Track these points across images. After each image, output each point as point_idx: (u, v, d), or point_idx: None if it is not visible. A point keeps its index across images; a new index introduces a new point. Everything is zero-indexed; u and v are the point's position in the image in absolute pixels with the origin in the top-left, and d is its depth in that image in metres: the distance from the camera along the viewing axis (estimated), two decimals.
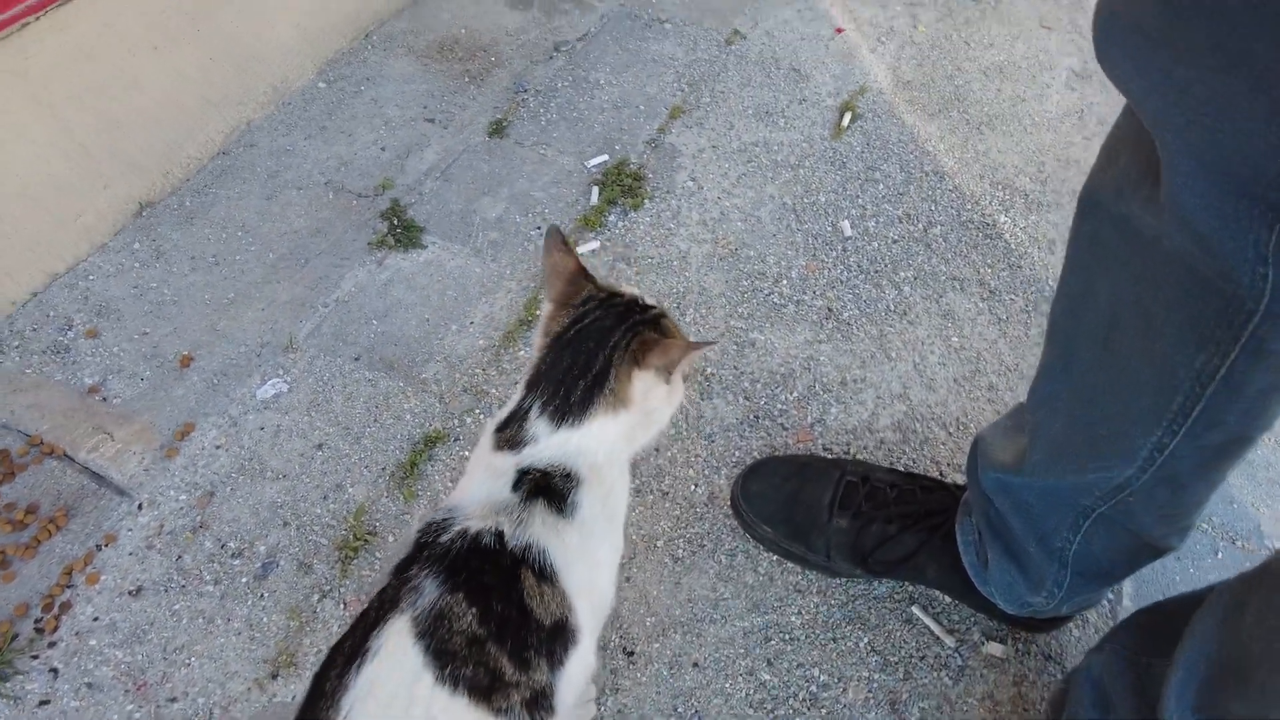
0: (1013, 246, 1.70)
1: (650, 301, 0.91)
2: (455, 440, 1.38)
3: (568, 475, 0.83)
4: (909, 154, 1.88)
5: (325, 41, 1.95)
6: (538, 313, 1.54)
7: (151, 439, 1.36)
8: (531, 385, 0.86)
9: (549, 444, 0.83)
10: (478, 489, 0.84)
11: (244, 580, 1.23)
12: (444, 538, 0.78)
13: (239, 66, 1.74)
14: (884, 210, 1.76)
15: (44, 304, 1.52)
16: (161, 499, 1.31)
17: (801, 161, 1.85)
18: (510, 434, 0.85)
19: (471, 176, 1.77)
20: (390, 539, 1.28)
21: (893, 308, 1.59)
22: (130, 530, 1.27)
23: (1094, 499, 0.91)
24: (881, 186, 1.81)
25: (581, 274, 0.91)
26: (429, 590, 0.73)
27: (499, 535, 0.78)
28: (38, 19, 1.36)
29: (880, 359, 1.52)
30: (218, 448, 1.37)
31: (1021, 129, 1.95)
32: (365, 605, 0.77)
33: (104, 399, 1.41)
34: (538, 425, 0.83)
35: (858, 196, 1.78)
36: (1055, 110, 2.00)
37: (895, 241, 1.70)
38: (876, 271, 1.64)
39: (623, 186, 1.76)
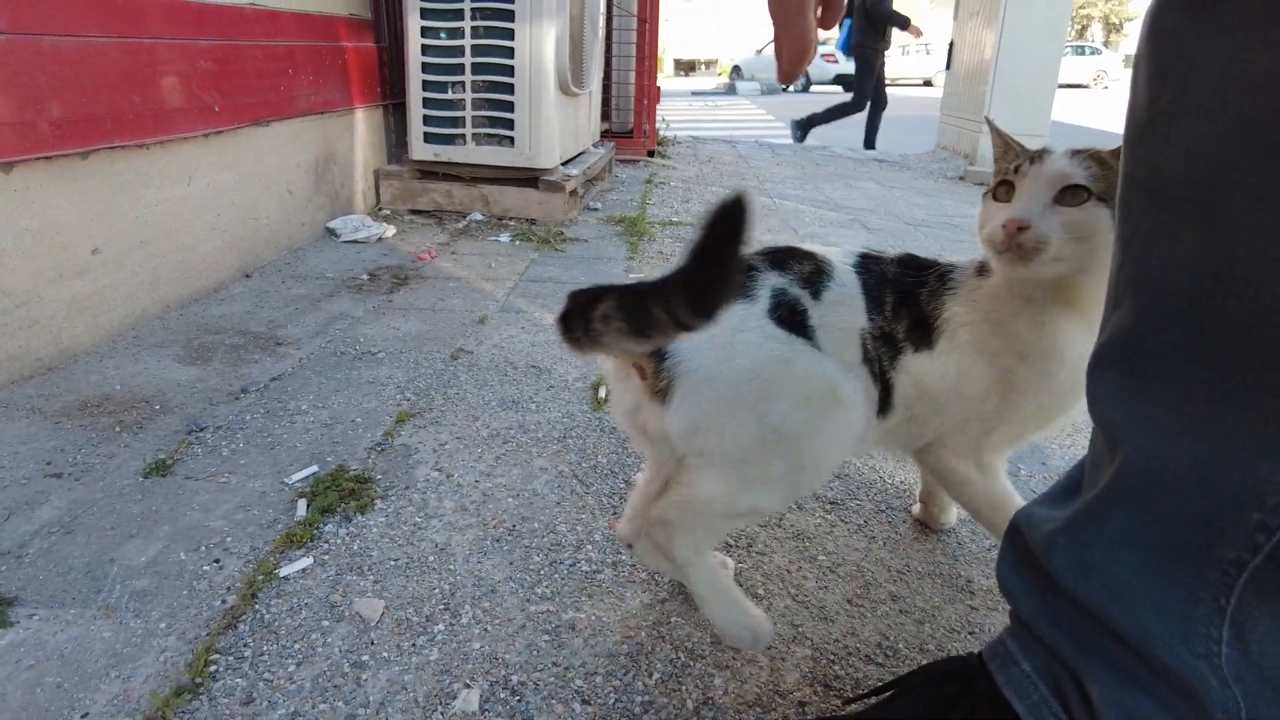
0: None
1: None
2: None
3: None
4: None
5: None
6: (211, 669, 0.94)
7: None
8: None
9: None
10: None
11: None
12: None
13: None
14: None
15: None
16: None
17: (568, 434, 1.54)
18: None
19: (112, 522, 1.21)
20: None
21: (734, 543, 1.21)
22: None
23: (1243, 535, 0.55)
24: None
25: None
26: None
27: None
28: None
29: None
30: None
31: None
32: None
33: None
34: None
35: None
36: None
37: None
38: None
39: (341, 492, 1.30)
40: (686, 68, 29.31)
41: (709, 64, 26.12)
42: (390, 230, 3.01)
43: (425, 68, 3.20)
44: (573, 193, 3.44)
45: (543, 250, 2.92)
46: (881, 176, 5.41)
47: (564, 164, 3.54)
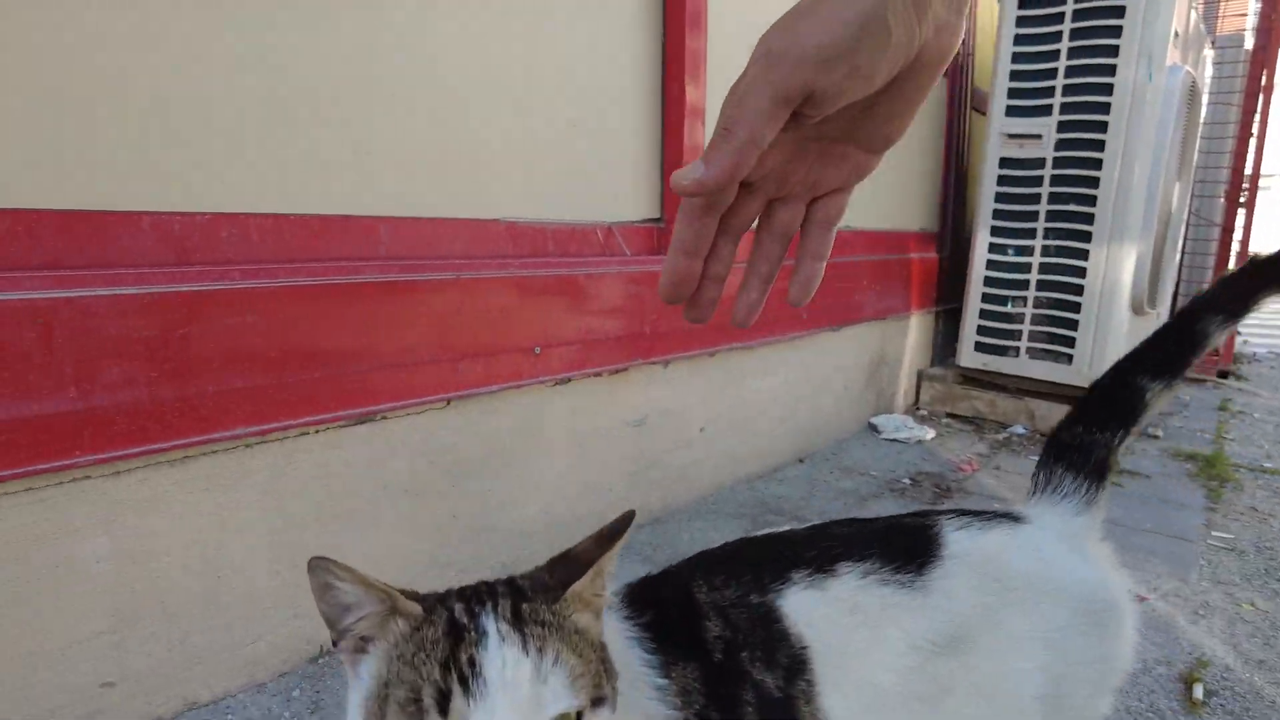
0: None
1: None
2: None
3: None
4: None
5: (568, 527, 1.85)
6: None
7: None
8: None
9: None
10: None
11: None
12: None
13: (474, 532, 1.63)
14: None
15: None
16: None
17: None
18: None
19: None
20: None
21: None
22: None
23: None
24: None
25: None
26: None
27: None
28: (301, 435, 1.35)
29: None
30: None
31: None
32: None
33: None
34: None
35: None
36: None
37: None
38: None
39: None
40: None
41: None
42: (930, 433, 3.07)
43: (987, 280, 3.27)
44: None
45: None
46: None
47: None
